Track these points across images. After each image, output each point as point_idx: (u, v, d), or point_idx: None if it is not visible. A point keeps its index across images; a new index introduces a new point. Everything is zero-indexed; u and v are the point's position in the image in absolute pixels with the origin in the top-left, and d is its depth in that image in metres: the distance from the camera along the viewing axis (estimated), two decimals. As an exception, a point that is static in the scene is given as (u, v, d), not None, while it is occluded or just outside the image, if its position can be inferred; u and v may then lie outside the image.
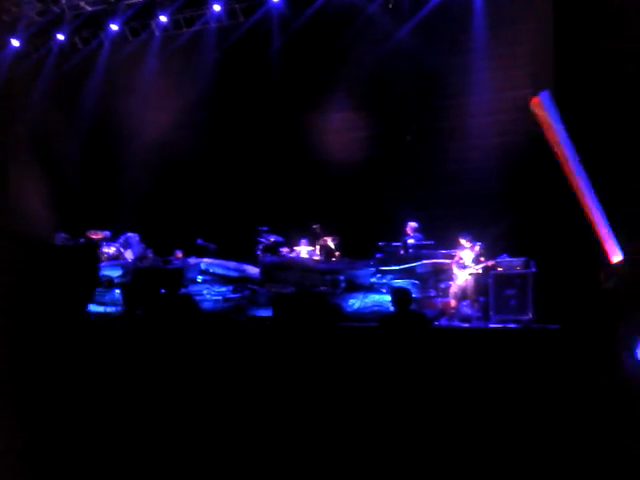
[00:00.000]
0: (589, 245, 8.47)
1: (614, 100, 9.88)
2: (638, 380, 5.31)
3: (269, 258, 11.12)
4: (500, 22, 11.70)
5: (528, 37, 11.42)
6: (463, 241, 9.65)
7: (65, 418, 5.04)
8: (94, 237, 11.92)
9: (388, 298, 9.34)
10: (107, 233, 12.06)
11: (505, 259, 9.40)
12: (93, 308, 10.29)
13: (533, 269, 9.04)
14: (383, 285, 9.84)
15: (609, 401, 5.23)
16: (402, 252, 10.17)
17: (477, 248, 9.51)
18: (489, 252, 9.59)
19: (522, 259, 9.24)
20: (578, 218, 9.46)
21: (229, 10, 13.59)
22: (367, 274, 10.17)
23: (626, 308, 6.40)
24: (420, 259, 9.86)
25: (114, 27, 14.02)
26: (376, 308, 9.45)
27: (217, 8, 13.27)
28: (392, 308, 6.32)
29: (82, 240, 11.70)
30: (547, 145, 10.54)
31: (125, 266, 11.13)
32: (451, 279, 9.60)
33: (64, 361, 5.30)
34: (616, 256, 6.64)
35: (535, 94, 11.13)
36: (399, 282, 9.56)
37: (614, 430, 5.02)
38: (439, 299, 9.62)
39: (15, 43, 14.35)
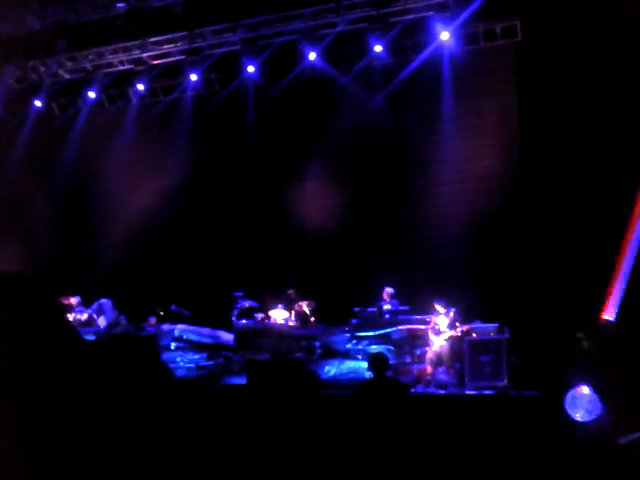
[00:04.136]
0: (562, 309, 8.65)
1: (580, 164, 10.31)
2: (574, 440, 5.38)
3: (244, 323, 11.07)
4: (468, 94, 12.20)
5: (495, 109, 11.92)
6: (438, 307, 9.74)
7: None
8: (65, 303, 11.75)
9: (364, 365, 9.33)
10: (77, 299, 11.91)
11: (479, 325, 9.50)
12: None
13: (507, 334, 9.14)
14: (359, 351, 9.84)
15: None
16: (376, 317, 10.23)
17: (451, 314, 9.60)
18: (463, 317, 9.70)
19: (495, 325, 9.35)
20: (548, 283, 9.71)
21: (206, 79, 13.90)
22: (343, 340, 10.18)
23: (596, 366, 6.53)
24: (396, 325, 9.92)
25: (91, 94, 14.19)
26: (352, 375, 9.42)
27: (194, 78, 13.55)
28: (368, 374, 6.31)
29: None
30: (514, 212, 10.89)
31: (97, 333, 10.97)
32: (427, 345, 9.63)
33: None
34: (609, 315, 6.80)
35: (502, 163, 11.60)
36: (375, 348, 9.57)
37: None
38: (415, 365, 9.62)
39: (-8, 109, 14.44)
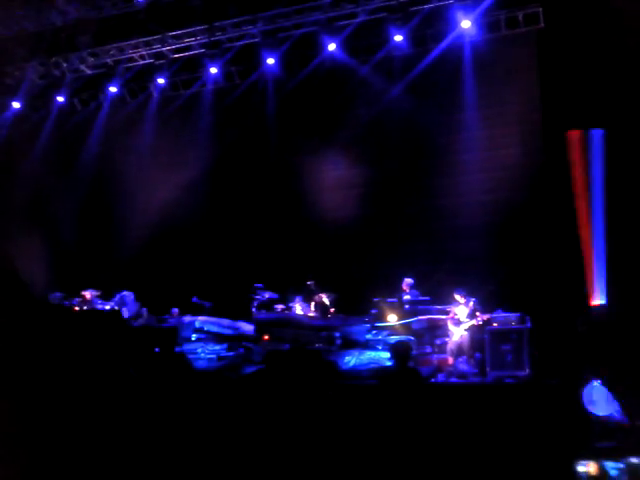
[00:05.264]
0: (583, 299, 8.53)
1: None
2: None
3: (264, 315, 11.09)
4: (489, 83, 12.06)
5: (516, 97, 11.77)
6: (458, 297, 9.67)
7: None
8: (87, 295, 11.86)
9: (384, 355, 9.29)
10: (95, 291, 12.01)
11: (500, 314, 9.40)
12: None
13: (528, 324, 9.03)
14: (379, 342, 9.79)
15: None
16: (396, 307, 10.19)
17: (471, 304, 9.52)
18: (484, 307, 9.60)
19: (517, 314, 9.24)
20: (570, 271, 9.57)
21: (225, 73, 13.94)
22: (362, 330, 10.14)
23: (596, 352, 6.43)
24: (416, 315, 9.86)
25: (113, 89, 14.32)
26: (372, 365, 9.38)
27: (214, 71, 13.60)
28: (390, 363, 6.26)
29: (76, 300, 11.65)
30: (536, 201, 10.76)
31: (119, 324, 11.04)
32: (447, 335, 9.57)
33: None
34: (597, 300, 6.72)
35: (524, 152, 11.47)
36: (396, 338, 9.52)
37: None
38: (435, 355, 9.57)
39: (16, 105, 14.64)
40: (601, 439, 5.89)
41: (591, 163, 8.54)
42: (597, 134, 8.49)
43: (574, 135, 8.17)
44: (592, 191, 8.42)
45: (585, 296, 6.83)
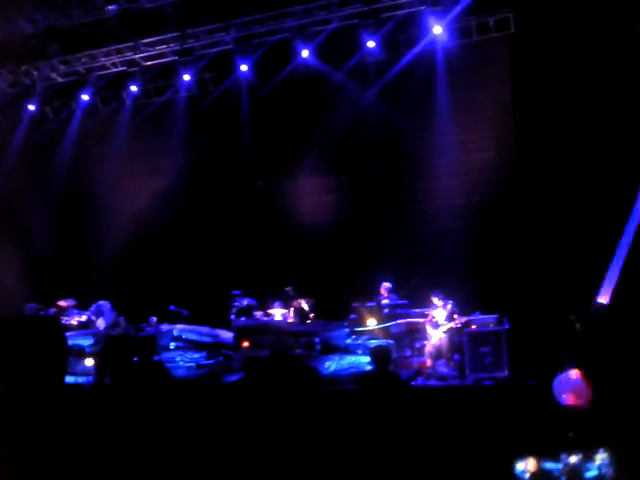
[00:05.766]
0: (561, 298, 8.65)
1: (575, 155, 10.33)
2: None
3: (243, 321, 11.06)
4: (461, 87, 12.21)
5: (489, 102, 11.94)
6: (435, 300, 9.75)
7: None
8: (63, 305, 11.71)
9: (364, 359, 9.33)
10: (71, 301, 11.86)
11: (478, 317, 9.51)
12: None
13: (506, 325, 9.14)
14: (359, 346, 9.83)
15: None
16: (375, 311, 10.23)
17: (449, 306, 9.61)
18: (461, 310, 9.70)
19: (495, 316, 9.35)
20: (546, 273, 9.72)
21: (199, 80, 13.89)
22: (342, 335, 10.17)
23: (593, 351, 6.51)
24: (395, 319, 9.92)
25: (85, 97, 14.16)
26: (352, 370, 9.40)
27: (187, 78, 13.52)
28: (370, 367, 6.30)
29: (52, 310, 11.49)
30: (510, 204, 10.93)
31: (96, 335, 10.93)
32: (426, 338, 9.64)
33: (41, 432, 5.15)
34: (603, 298, 6.79)
35: (497, 156, 11.63)
36: (375, 342, 9.57)
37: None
38: (415, 358, 9.64)
39: (-15, 113, 14.43)
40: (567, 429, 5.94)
41: None
42: None
43: None
44: None
45: (586, 296, 6.92)
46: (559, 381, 6.48)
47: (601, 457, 4.66)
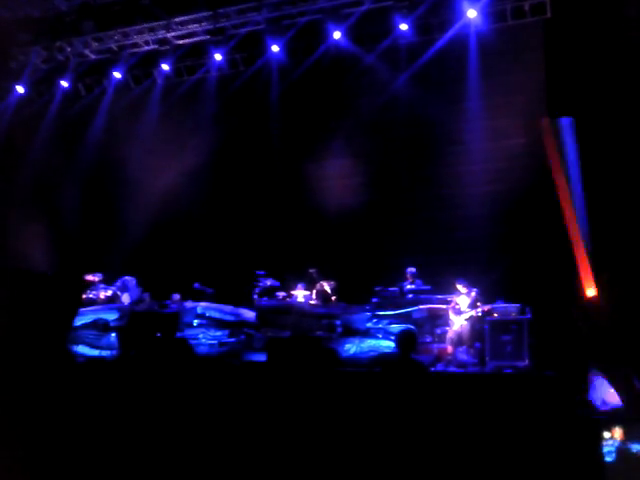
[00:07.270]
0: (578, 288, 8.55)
1: (608, 142, 10.13)
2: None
3: (265, 302, 11.13)
4: (493, 73, 12.01)
5: (521, 88, 11.71)
6: (459, 286, 9.71)
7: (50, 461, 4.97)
8: (90, 280, 11.92)
9: (384, 343, 9.33)
10: (99, 275, 12.07)
11: (501, 305, 9.43)
12: (88, 351, 10.24)
13: (529, 315, 9.06)
14: (379, 330, 9.83)
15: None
16: (398, 296, 10.22)
17: (473, 294, 9.56)
18: (485, 298, 9.63)
19: (518, 305, 9.28)
20: (570, 263, 9.58)
21: (230, 59, 13.90)
22: (363, 319, 10.17)
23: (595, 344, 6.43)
24: (416, 304, 9.89)
25: (117, 75, 14.29)
26: (372, 353, 9.42)
27: (218, 57, 13.56)
28: (395, 351, 6.27)
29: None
30: (539, 192, 10.76)
31: (121, 309, 11.11)
32: (447, 325, 9.61)
33: (48, 398, 5.26)
34: (590, 290, 6.71)
35: (529, 142, 11.45)
36: (396, 327, 9.55)
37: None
38: (435, 345, 9.61)
39: (20, 89, 14.63)
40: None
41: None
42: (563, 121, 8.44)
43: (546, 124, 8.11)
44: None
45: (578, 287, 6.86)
46: (596, 385, 6.44)
47: None
